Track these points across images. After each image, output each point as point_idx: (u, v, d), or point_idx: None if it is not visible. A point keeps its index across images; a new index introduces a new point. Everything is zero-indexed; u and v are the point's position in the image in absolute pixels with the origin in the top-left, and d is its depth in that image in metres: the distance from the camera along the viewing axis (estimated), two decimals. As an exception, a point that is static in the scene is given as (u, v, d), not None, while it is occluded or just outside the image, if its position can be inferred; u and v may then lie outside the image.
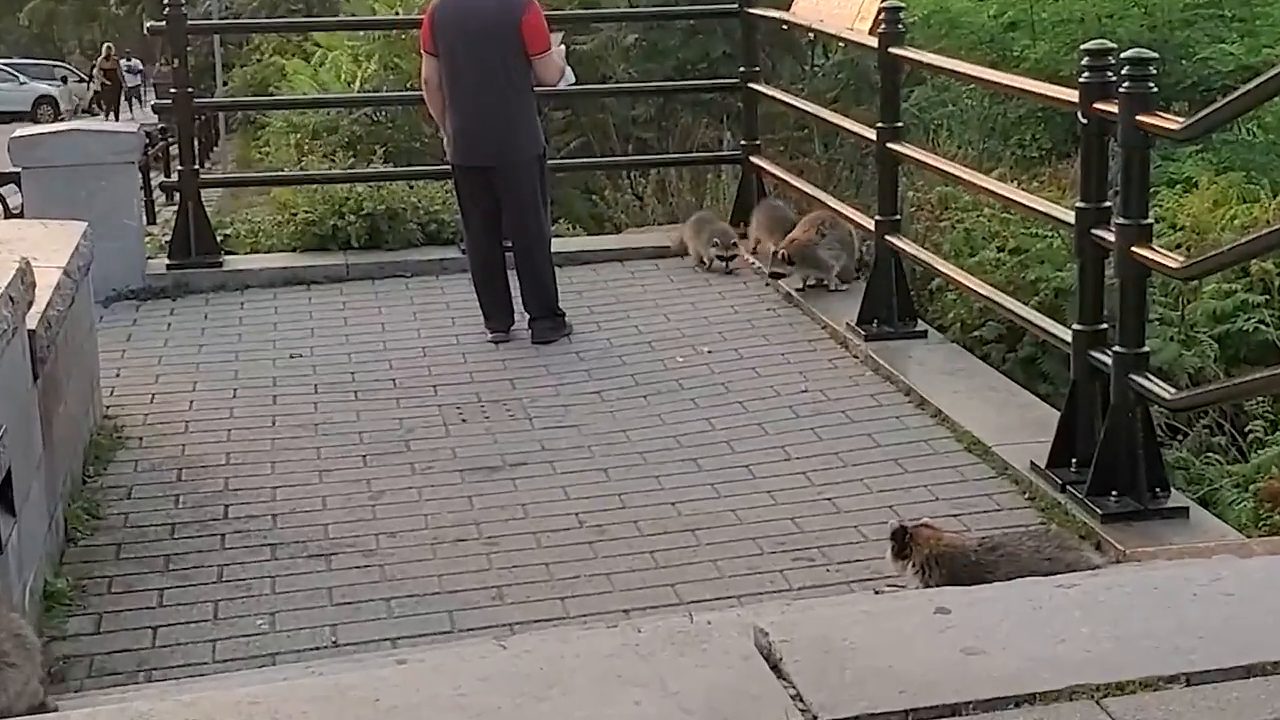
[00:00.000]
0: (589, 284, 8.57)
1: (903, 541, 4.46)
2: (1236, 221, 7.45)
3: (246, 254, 9.34)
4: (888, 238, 7.18)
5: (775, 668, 2.86)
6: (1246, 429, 6.29)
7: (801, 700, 2.75)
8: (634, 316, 7.98)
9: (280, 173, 11.09)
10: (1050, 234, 7.56)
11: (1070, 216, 5.47)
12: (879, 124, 7.25)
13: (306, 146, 11.11)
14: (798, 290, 7.97)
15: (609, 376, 7.09)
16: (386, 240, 9.03)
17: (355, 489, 5.87)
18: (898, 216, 7.35)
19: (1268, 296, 6.98)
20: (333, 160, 10.40)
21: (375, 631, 4.70)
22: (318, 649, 4.61)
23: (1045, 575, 4.06)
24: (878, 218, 7.26)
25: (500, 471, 6.01)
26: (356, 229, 8.95)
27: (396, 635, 4.65)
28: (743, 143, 9.41)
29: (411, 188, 9.33)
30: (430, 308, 8.25)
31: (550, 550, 5.26)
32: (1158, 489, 5.16)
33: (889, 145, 7.16)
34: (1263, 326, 6.82)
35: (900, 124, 7.26)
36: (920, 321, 7.35)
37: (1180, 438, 6.54)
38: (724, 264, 8.55)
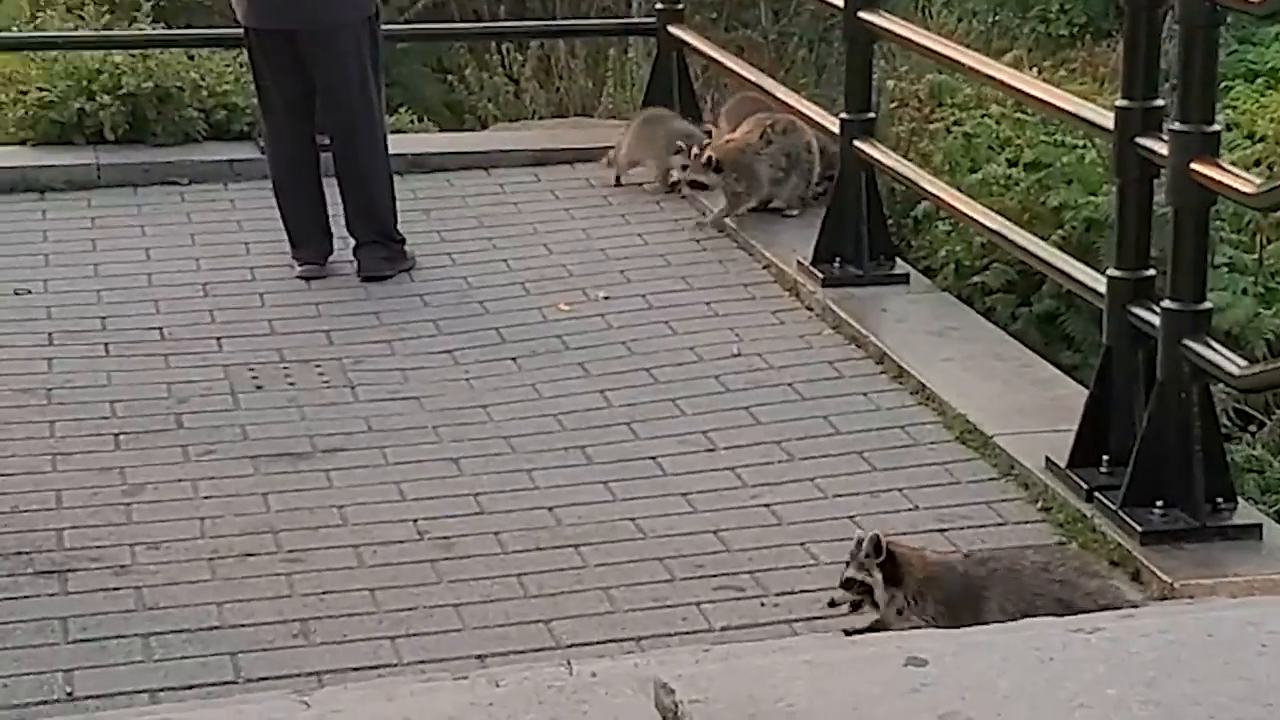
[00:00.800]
0: (440, 200, 8.58)
1: (893, 562, 4.56)
2: (1338, 132, 7.58)
3: (-44, 147, 9.24)
4: (857, 144, 7.20)
5: (681, 740, 2.87)
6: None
7: (718, 788, 2.76)
8: (502, 247, 7.98)
9: (5, 33, 10.90)
10: (1081, 143, 7.62)
11: (1108, 120, 5.51)
12: (849, -14, 7.27)
13: (43, -1, 10.97)
14: (732, 215, 7.98)
15: (465, 330, 7.09)
16: (154, 133, 8.97)
17: (103, 480, 5.85)
18: (872, 115, 7.39)
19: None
20: (80, 18, 10.24)
21: (128, 680, 4.66)
22: (45, 703, 4.56)
23: (1055, 606, 4.11)
24: (844, 116, 7.28)
25: (309, 459, 6.00)
26: (112, 115, 8.88)
27: (158, 686, 4.62)
28: (659, 7, 9.39)
29: (191, 59, 9.26)
30: (215, 228, 8.23)
31: (377, 571, 5.26)
32: (1220, 499, 5.23)
33: (861, 14, 7.17)
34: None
35: (878, -14, 7.28)
36: (900, 262, 7.42)
37: (1254, 429, 6.63)
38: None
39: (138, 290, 7.50)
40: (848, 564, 4.64)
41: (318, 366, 6.75)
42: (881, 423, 6.19)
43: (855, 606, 4.66)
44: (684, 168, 8.20)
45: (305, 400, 6.47)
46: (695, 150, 8.09)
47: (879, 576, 4.54)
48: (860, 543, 4.60)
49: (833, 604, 4.61)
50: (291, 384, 6.61)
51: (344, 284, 7.55)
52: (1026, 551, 4.66)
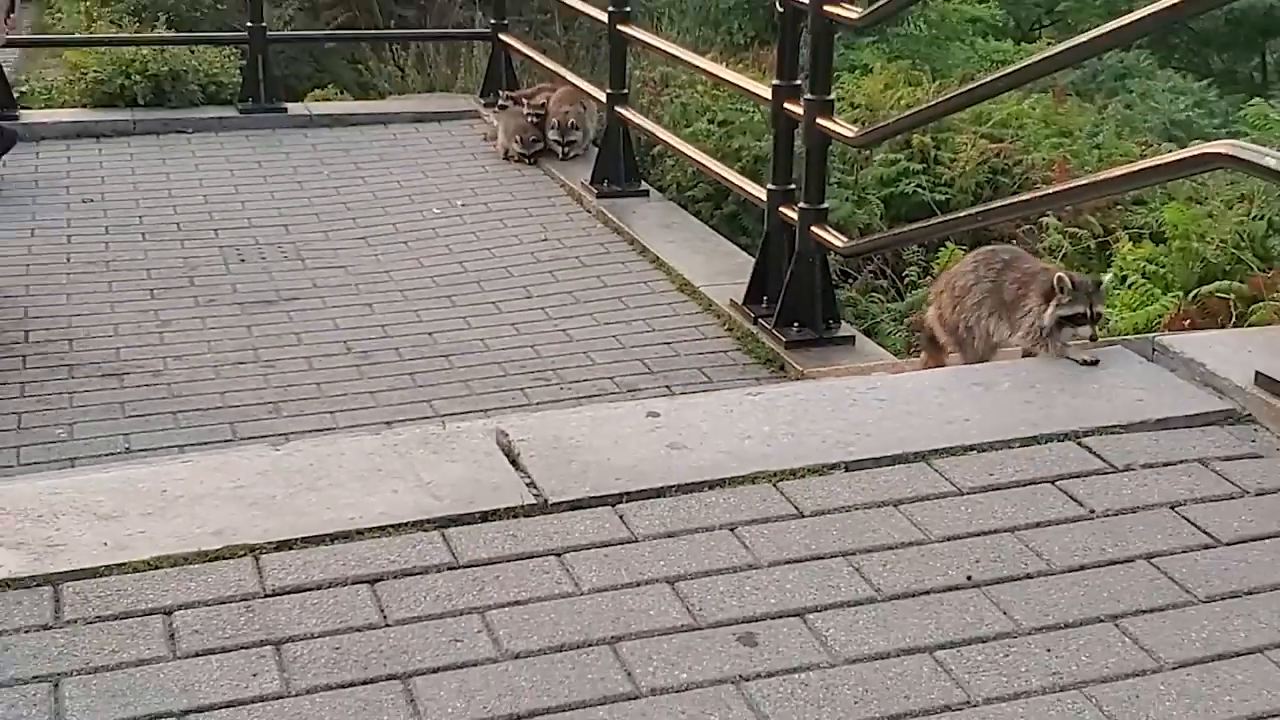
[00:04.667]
0: (355, 143, 8.37)
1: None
2: (903, 101, 7.67)
3: (41, 109, 8.87)
4: (617, 109, 7.16)
5: (514, 462, 2.94)
6: (904, 274, 6.55)
7: (535, 487, 2.84)
8: (396, 173, 7.84)
9: (72, 35, 10.46)
10: (752, 109, 7.66)
11: (768, 93, 5.53)
12: (610, 8, 7.19)
13: (95, 13, 10.51)
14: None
15: (373, 224, 6.98)
16: (169, 99, 8.65)
17: (144, 318, 5.72)
18: (626, 91, 7.34)
19: (925, 165, 7.23)
20: (119, 25, 9.91)
21: (163, 440, 4.62)
22: (112, 454, 4.51)
23: None
24: (609, 91, 7.23)
25: (276, 305, 5.91)
26: (142, 88, 8.58)
27: (183, 443, 4.58)
28: (492, 21, 9.24)
29: (193, 52, 8.93)
30: (210, 160, 7.96)
31: (321, 372, 5.22)
32: (831, 321, 5.33)
33: (619, 27, 7.12)
34: (920, 190, 7.08)
35: (629, 9, 7.19)
36: (643, 182, 7.39)
37: (851, 280, 6.77)
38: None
39: (162, 199, 7.26)
40: (1090, 305, 3.44)
41: (280, 248, 6.61)
42: (632, 280, 6.21)
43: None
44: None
45: (273, 268, 6.35)
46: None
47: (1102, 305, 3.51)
48: (1071, 286, 3.46)
49: (1094, 339, 3.43)
50: (263, 258, 6.48)
51: (295, 196, 7.42)
52: None
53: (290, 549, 2.61)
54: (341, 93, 10.51)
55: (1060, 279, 3.51)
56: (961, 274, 3.80)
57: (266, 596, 2.47)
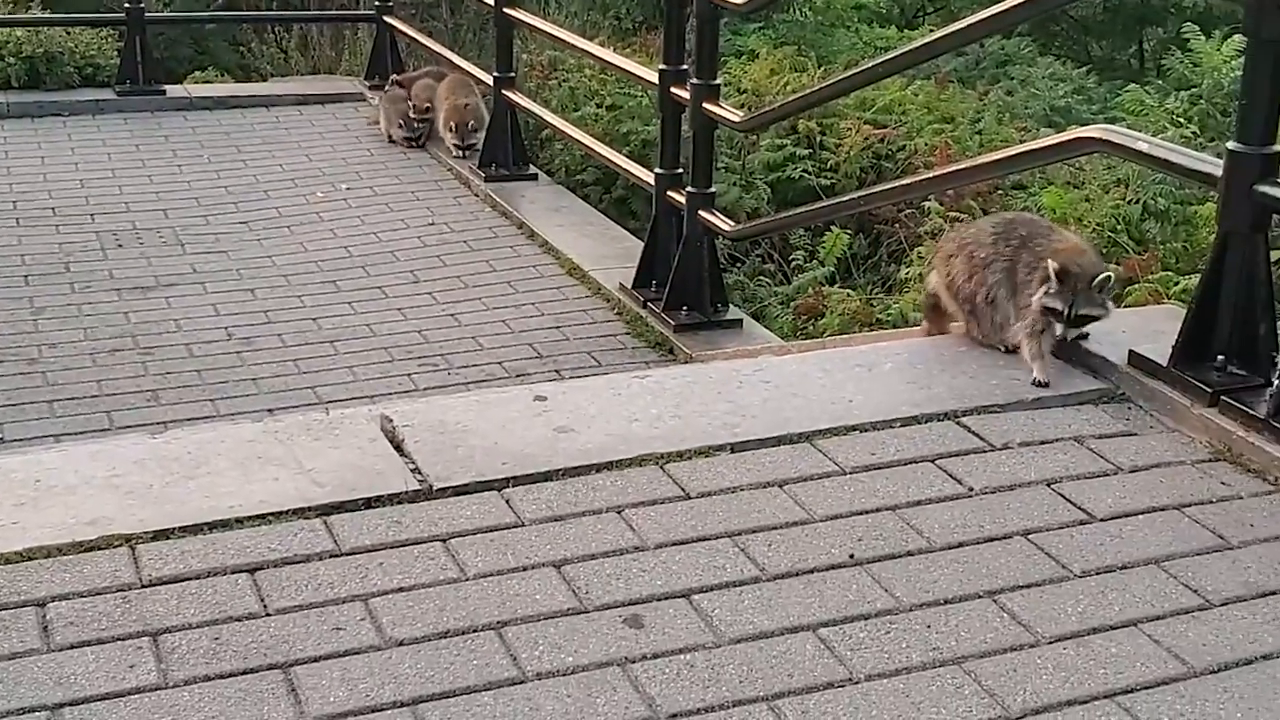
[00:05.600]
0: (237, 126, 8.22)
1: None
2: (788, 87, 7.72)
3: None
4: (504, 92, 7.12)
5: (398, 447, 2.92)
6: (790, 258, 6.60)
7: (420, 473, 2.82)
8: (279, 156, 7.70)
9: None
10: (640, 93, 7.65)
11: (655, 77, 5.51)
12: (496, -9, 7.15)
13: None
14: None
15: (255, 209, 6.86)
16: (44, 81, 8.42)
17: (18, 305, 5.58)
18: (513, 74, 7.29)
19: (811, 151, 7.28)
20: (-8, 6, 9.63)
21: (38, 430, 4.51)
22: (-15, 444, 4.39)
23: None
24: (496, 74, 7.17)
25: (154, 291, 5.78)
26: (16, 70, 8.35)
27: (59, 432, 4.48)
28: (376, 3, 9.11)
29: (69, 33, 8.70)
30: (87, 144, 7.76)
31: (201, 359, 5.12)
32: (719, 305, 5.34)
33: (505, 10, 7.07)
34: (806, 175, 7.13)
35: (515, -8, 7.18)
36: (532, 166, 7.35)
37: (739, 264, 6.81)
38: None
39: (37, 183, 7.06)
40: (1070, 305, 3.21)
41: (159, 233, 6.47)
42: (521, 264, 6.17)
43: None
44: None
45: (151, 254, 6.21)
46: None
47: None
48: (1065, 277, 3.21)
49: (1065, 341, 3.25)
50: (141, 243, 6.33)
51: (175, 181, 7.26)
52: None
53: (168, 538, 2.56)
54: (223, 75, 10.33)
55: (1050, 266, 3.23)
56: (980, 244, 3.48)
57: (143, 587, 2.42)
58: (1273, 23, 3.01)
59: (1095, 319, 3.29)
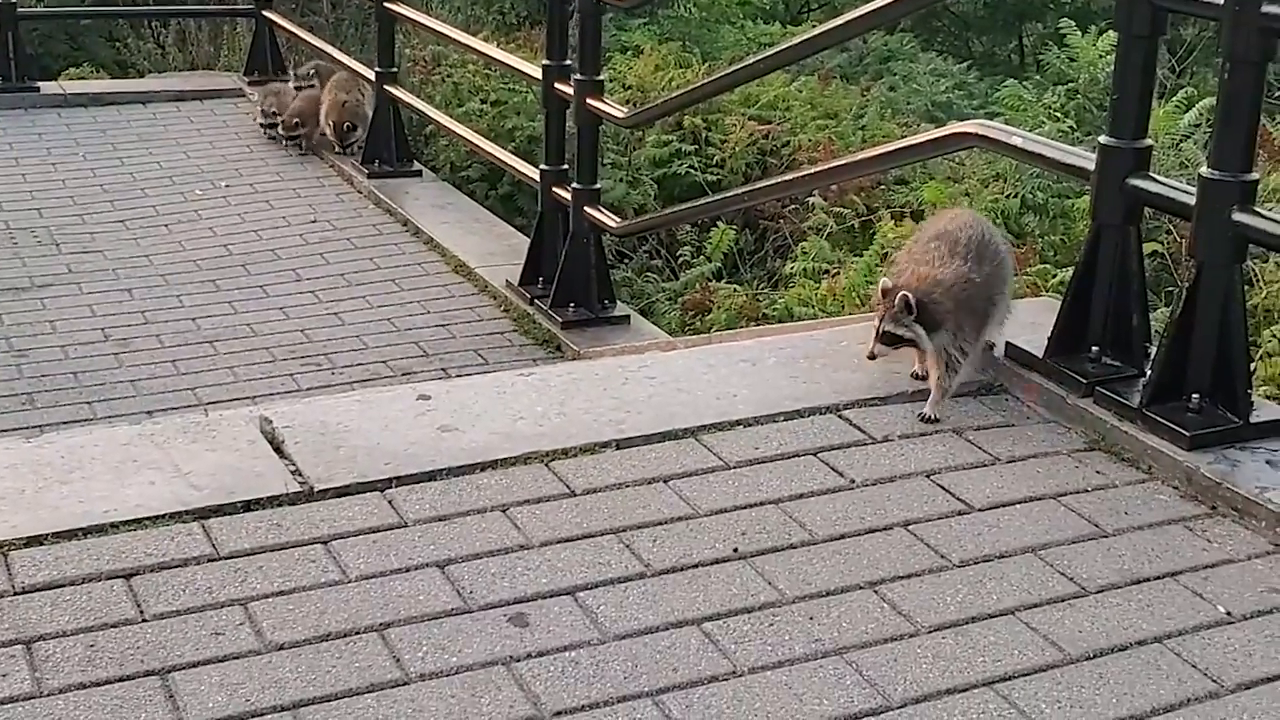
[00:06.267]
0: (113, 123, 8.05)
1: (926, 312, 3.13)
2: (673, 83, 7.75)
3: None
4: (387, 88, 7.06)
5: (278, 449, 2.88)
6: (678, 254, 6.64)
7: (300, 474, 2.78)
8: (156, 153, 7.56)
9: None
10: (525, 89, 7.62)
11: (538, 72, 5.51)
12: (377, -16, 7.08)
13: None
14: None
15: (132, 207, 6.72)
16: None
17: (-117, 309, 5.41)
18: (395, 69, 7.24)
19: (696, 147, 7.32)
20: None
21: (-96, 437, 4.36)
22: None
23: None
24: (378, 70, 7.12)
25: (28, 292, 5.65)
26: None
27: (-76, 440, 4.33)
28: (255, -4, 8.99)
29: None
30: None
31: (78, 361, 5.02)
32: (606, 301, 5.36)
33: (387, 4, 7.01)
34: (692, 170, 7.17)
35: (398, -14, 7.11)
36: (416, 162, 7.30)
37: (626, 260, 6.83)
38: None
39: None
40: (881, 319, 3.14)
41: (33, 233, 6.33)
42: (406, 262, 6.13)
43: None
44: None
45: (25, 254, 6.07)
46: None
47: (921, 330, 3.11)
48: (887, 294, 3.13)
49: (873, 357, 3.17)
50: (15, 243, 6.19)
51: (48, 178, 7.09)
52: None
53: (41, 544, 2.51)
54: (98, 71, 10.12)
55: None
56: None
57: (16, 594, 2.37)
58: (1143, 18, 3.09)
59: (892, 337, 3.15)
